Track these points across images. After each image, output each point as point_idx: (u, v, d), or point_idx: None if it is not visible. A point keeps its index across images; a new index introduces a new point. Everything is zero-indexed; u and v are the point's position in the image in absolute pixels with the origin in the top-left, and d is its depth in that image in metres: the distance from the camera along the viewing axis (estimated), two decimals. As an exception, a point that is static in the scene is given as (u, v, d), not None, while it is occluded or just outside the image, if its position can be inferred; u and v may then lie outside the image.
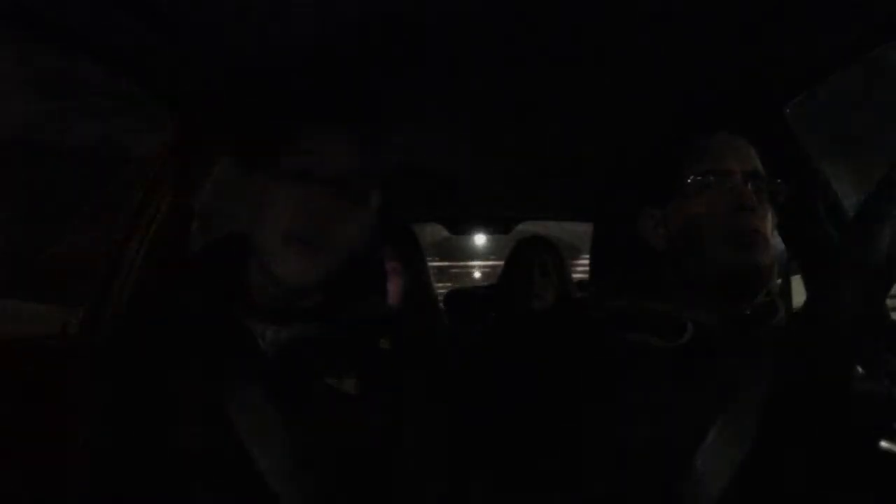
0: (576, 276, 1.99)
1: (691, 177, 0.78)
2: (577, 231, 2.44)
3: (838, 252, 0.63)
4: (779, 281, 0.86)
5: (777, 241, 0.79)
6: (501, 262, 1.88)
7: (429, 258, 2.17)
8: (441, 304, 2.04)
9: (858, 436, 0.65)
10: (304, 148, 0.75)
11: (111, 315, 1.25)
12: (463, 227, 2.40)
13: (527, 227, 2.30)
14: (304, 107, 0.89)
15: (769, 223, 0.77)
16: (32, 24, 0.92)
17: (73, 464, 0.73)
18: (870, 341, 0.65)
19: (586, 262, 2.05)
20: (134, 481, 0.69)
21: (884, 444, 0.62)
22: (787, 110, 1.19)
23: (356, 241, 0.75)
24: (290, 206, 0.72)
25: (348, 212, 0.73)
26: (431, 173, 1.77)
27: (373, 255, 0.90)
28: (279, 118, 0.82)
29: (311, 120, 0.78)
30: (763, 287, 0.78)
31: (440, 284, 3.70)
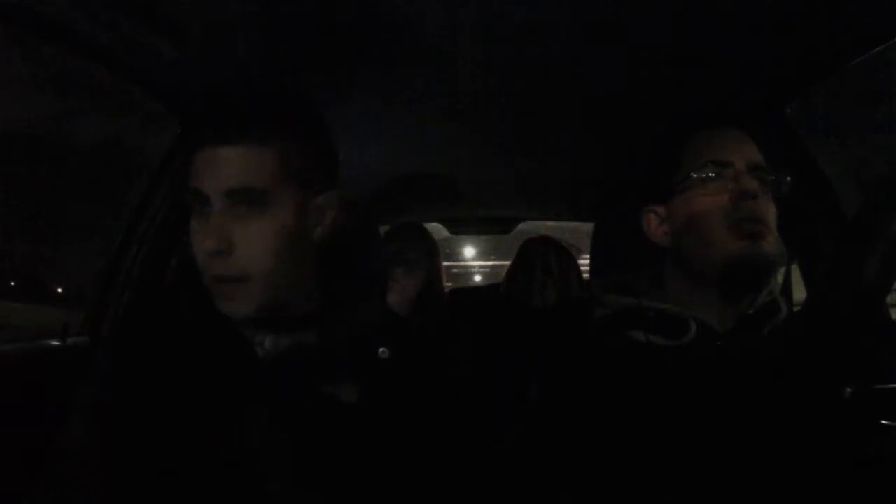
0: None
1: (693, 171, 0.78)
2: (578, 231, 2.44)
3: (838, 252, 0.63)
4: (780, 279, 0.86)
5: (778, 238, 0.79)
6: (495, 263, 1.89)
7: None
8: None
9: (855, 434, 0.65)
10: (195, 169, 0.68)
11: (111, 316, 1.25)
12: (463, 227, 2.40)
13: (526, 227, 2.30)
14: (302, 106, 0.89)
15: (772, 214, 0.76)
16: (36, 25, 0.92)
17: (64, 466, 0.73)
18: (869, 340, 0.65)
19: (586, 261, 2.05)
20: (130, 485, 0.69)
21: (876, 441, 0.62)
22: (788, 110, 1.19)
23: (274, 256, 0.68)
24: (197, 238, 0.67)
25: (248, 223, 0.66)
26: (431, 173, 1.77)
27: (369, 256, 0.90)
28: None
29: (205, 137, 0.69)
30: (768, 279, 0.77)
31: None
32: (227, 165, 0.66)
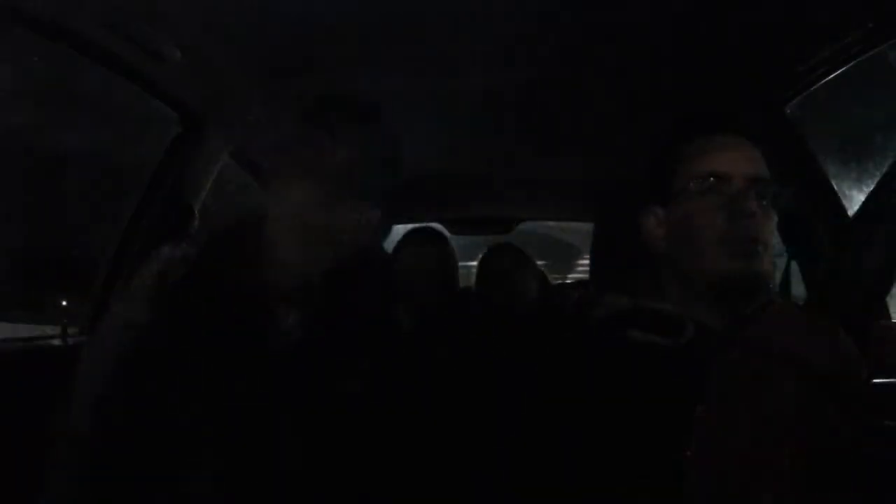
0: (576, 276, 1.98)
1: (693, 179, 0.77)
2: (578, 231, 2.44)
3: (838, 252, 0.63)
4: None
5: (777, 240, 0.78)
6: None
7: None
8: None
9: (856, 433, 0.65)
10: (308, 146, 0.78)
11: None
12: (463, 227, 2.40)
13: (526, 228, 2.30)
14: (303, 106, 0.90)
15: (769, 229, 0.76)
16: (36, 25, 0.93)
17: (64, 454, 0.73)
18: (869, 340, 0.65)
19: (586, 262, 2.05)
20: (139, 468, 0.70)
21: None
22: (788, 110, 1.19)
23: (355, 232, 0.78)
24: (300, 198, 0.76)
25: (345, 201, 0.77)
26: (431, 173, 1.77)
27: (384, 255, 0.91)
28: (278, 118, 0.83)
29: (312, 120, 0.80)
30: (761, 291, 0.77)
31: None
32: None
